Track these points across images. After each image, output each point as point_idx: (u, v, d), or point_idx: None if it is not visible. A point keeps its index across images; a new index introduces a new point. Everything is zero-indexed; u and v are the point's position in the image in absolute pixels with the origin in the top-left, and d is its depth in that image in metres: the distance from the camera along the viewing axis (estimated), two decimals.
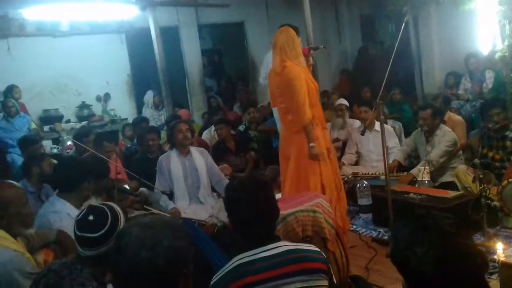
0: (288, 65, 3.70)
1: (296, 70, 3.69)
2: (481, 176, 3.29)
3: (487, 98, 5.42)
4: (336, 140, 5.64)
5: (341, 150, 5.58)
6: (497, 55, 5.54)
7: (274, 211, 1.99)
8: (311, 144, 3.68)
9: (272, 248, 1.88)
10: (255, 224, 1.90)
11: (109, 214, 1.83)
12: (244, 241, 1.95)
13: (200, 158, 4.26)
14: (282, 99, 3.88)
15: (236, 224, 1.99)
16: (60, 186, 2.99)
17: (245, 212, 1.90)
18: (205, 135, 6.48)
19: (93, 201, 3.73)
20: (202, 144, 5.60)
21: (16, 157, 5.49)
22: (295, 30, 3.85)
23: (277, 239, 1.96)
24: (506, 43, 5.46)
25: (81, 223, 1.84)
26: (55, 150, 6.50)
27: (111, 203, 1.96)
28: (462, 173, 4.17)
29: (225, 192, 2.04)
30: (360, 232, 4.03)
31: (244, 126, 6.51)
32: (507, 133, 4.14)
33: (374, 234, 3.96)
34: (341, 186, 4.00)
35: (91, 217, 1.82)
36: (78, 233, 1.84)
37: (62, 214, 2.77)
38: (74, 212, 2.70)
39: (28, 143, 4.93)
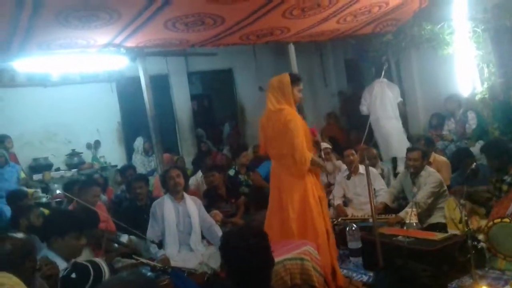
0: (286, 108, 3.62)
1: (293, 112, 3.62)
2: (466, 218, 3.32)
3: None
4: (328, 184, 5.67)
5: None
6: (477, 97, 5.71)
7: (271, 260, 1.98)
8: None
9: None
10: (253, 273, 1.89)
11: (91, 272, 1.84)
12: None
13: (193, 205, 4.30)
14: (276, 144, 3.69)
15: (232, 274, 1.95)
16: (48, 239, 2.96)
17: (244, 262, 1.89)
18: (192, 182, 6.43)
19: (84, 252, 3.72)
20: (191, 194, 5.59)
21: (5, 208, 5.42)
22: (297, 78, 3.78)
23: None
24: (485, 85, 5.65)
25: (64, 280, 1.85)
26: (44, 199, 6.45)
27: (96, 259, 1.98)
28: (451, 204, 4.21)
29: (223, 240, 2.01)
30: (351, 276, 3.98)
31: (234, 171, 6.53)
32: (505, 177, 4.20)
33: (365, 278, 3.93)
34: (330, 234, 3.95)
35: (73, 275, 1.83)
36: None
37: None
38: (63, 265, 2.67)
39: (16, 198, 4.92)
